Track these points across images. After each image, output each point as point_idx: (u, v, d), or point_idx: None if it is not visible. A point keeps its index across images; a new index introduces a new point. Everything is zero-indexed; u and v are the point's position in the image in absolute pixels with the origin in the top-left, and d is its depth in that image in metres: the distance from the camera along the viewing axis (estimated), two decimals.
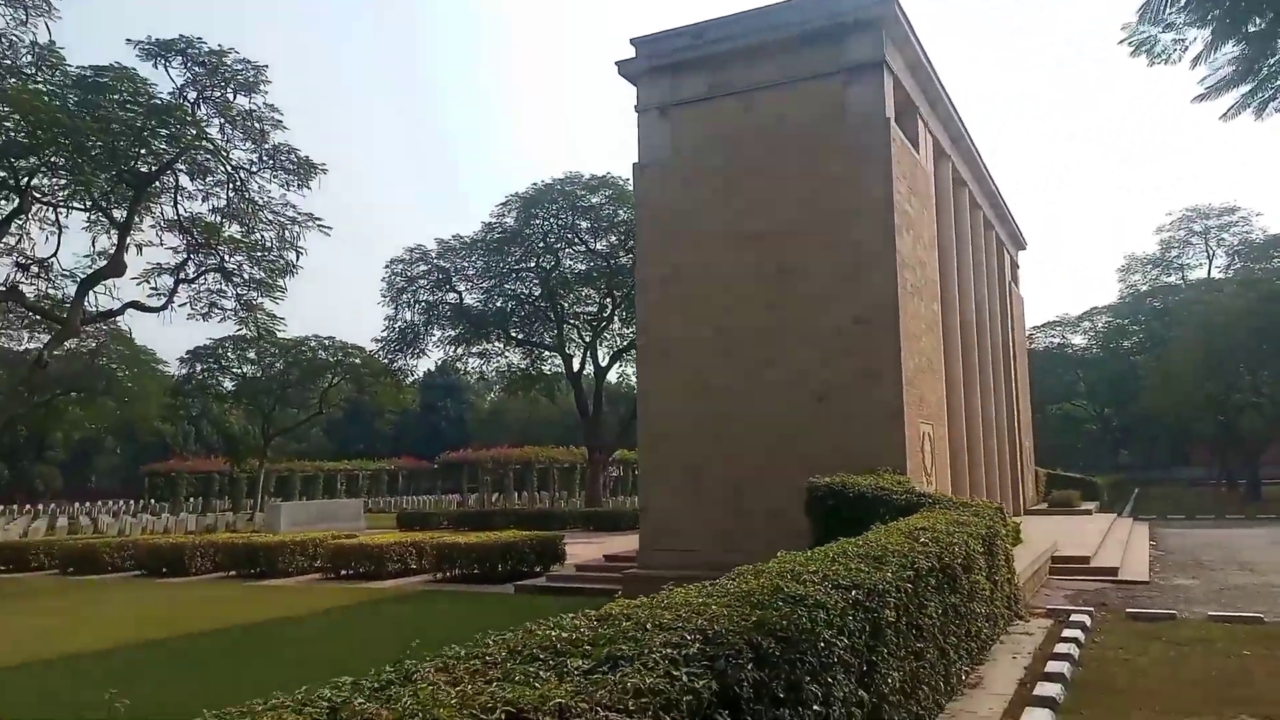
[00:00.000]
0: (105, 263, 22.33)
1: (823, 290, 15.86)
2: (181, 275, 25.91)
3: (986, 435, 23.82)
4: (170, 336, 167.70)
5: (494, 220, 41.35)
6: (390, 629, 13.60)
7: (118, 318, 26.59)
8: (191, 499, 62.68)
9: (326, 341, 54.06)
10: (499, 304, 42.12)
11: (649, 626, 3.98)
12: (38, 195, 23.39)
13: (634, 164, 17.97)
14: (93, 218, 22.88)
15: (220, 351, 54.17)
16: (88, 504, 71.05)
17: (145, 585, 20.76)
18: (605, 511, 35.80)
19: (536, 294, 41.62)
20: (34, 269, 24.96)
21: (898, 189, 15.90)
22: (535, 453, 56.81)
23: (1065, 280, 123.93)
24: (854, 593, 5.62)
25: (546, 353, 44.15)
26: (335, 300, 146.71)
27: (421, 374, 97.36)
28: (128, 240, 22.34)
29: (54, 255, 25.16)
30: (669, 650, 3.57)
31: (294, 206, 23.41)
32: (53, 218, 24.46)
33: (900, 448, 15.10)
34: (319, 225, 23.98)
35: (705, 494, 16.35)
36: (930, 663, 7.12)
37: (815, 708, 4.66)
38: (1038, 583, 14.61)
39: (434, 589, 18.40)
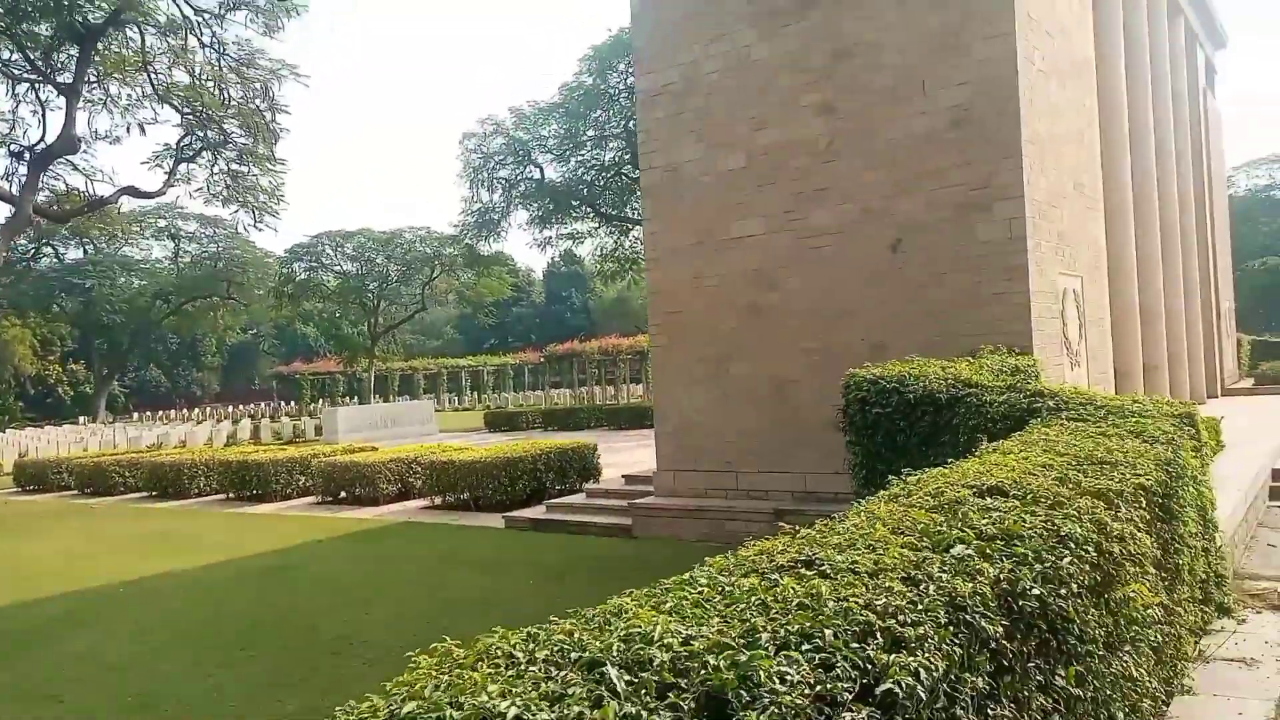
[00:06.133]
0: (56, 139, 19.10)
1: (898, 78, 10.32)
2: (183, 154, 22.66)
3: (1170, 293, 17.54)
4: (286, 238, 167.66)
5: (572, 80, 36.40)
6: (265, 598, 9.80)
7: (111, 204, 23.61)
8: (314, 401, 62.80)
9: (422, 233, 51.34)
10: (584, 176, 37.45)
11: None
12: (5, 70, 20.29)
13: None
14: (35, 83, 19.57)
15: (319, 249, 52.49)
16: (239, 407, 73.33)
17: (126, 511, 18.12)
18: None
19: (625, 160, 36.56)
20: None
21: None
22: (649, 341, 52.71)
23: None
24: None
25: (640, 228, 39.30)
26: (422, 190, 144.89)
27: (545, 263, 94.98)
28: (76, 109, 18.95)
29: (37, 138, 22.21)
30: None
31: (263, 53, 19.41)
32: (35, 97, 21.46)
33: (1023, 313, 9.69)
34: (295, 75, 19.87)
35: (736, 394, 11.55)
36: None
37: None
38: (1252, 523, 9.11)
39: (419, 519, 14.66)
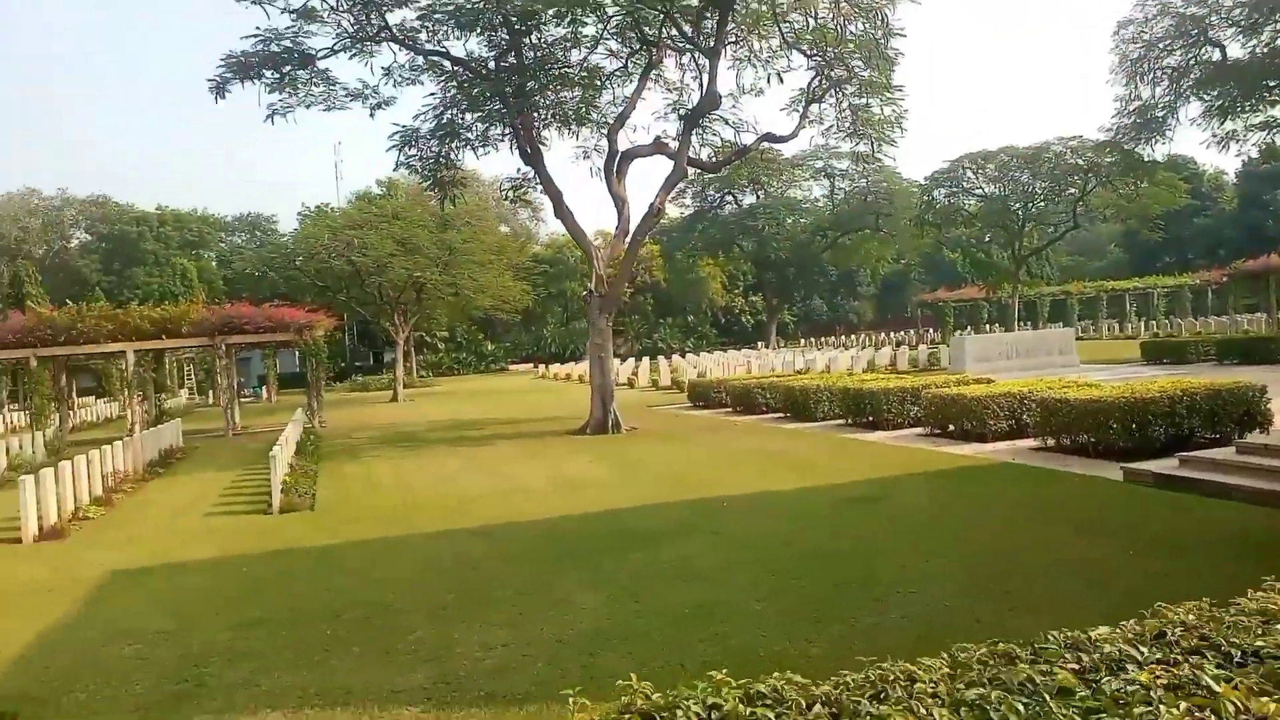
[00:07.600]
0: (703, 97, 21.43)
1: None
2: (813, 96, 23.89)
3: None
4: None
5: None
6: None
7: (752, 152, 25.85)
8: (959, 329, 62.31)
9: (1073, 143, 46.51)
10: None
11: None
12: (670, 44, 23.62)
13: None
14: (691, 53, 22.09)
15: (958, 173, 51.26)
16: (889, 334, 77.12)
17: (757, 429, 20.06)
18: None
19: None
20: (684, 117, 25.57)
21: None
22: None
23: None
24: None
25: None
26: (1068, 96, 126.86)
27: (1239, 163, 78.64)
28: (718, 69, 20.95)
29: (701, 102, 25.40)
30: None
31: None
32: (694, 64, 24.68)
33: None
34: None
35: None
36: None
37: None
38: None
39: (1022, 462, 13.38)
